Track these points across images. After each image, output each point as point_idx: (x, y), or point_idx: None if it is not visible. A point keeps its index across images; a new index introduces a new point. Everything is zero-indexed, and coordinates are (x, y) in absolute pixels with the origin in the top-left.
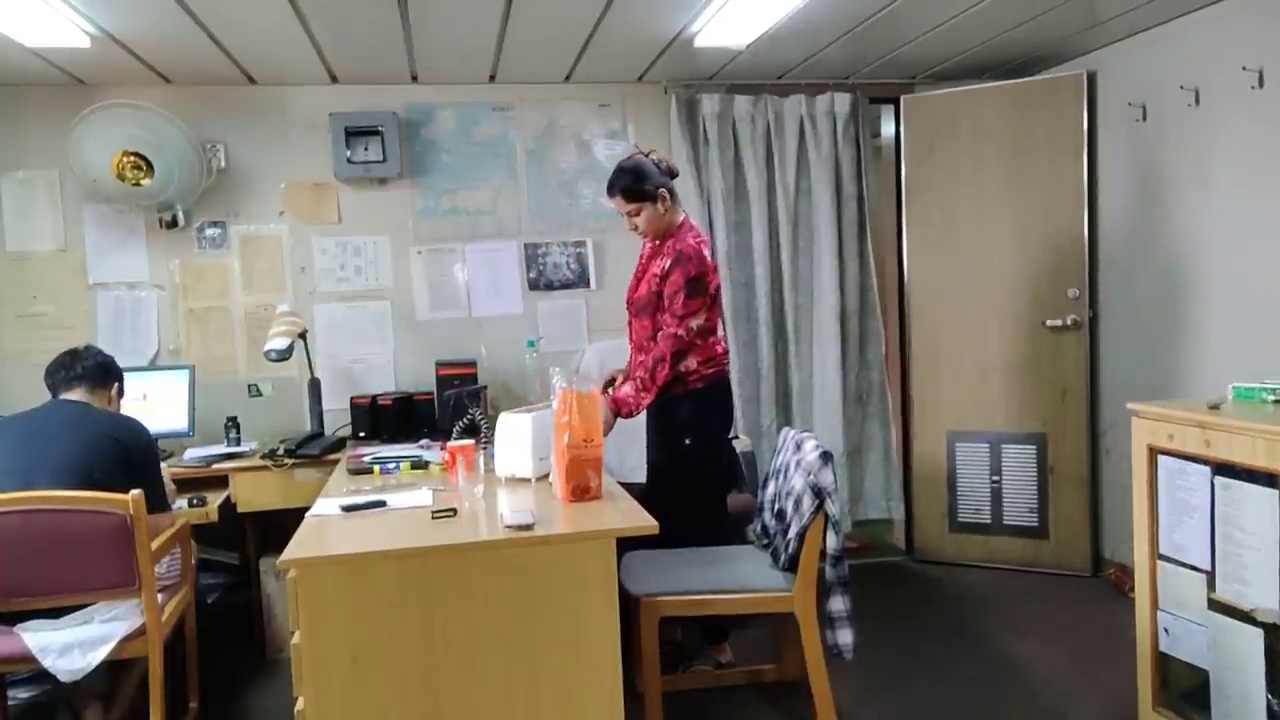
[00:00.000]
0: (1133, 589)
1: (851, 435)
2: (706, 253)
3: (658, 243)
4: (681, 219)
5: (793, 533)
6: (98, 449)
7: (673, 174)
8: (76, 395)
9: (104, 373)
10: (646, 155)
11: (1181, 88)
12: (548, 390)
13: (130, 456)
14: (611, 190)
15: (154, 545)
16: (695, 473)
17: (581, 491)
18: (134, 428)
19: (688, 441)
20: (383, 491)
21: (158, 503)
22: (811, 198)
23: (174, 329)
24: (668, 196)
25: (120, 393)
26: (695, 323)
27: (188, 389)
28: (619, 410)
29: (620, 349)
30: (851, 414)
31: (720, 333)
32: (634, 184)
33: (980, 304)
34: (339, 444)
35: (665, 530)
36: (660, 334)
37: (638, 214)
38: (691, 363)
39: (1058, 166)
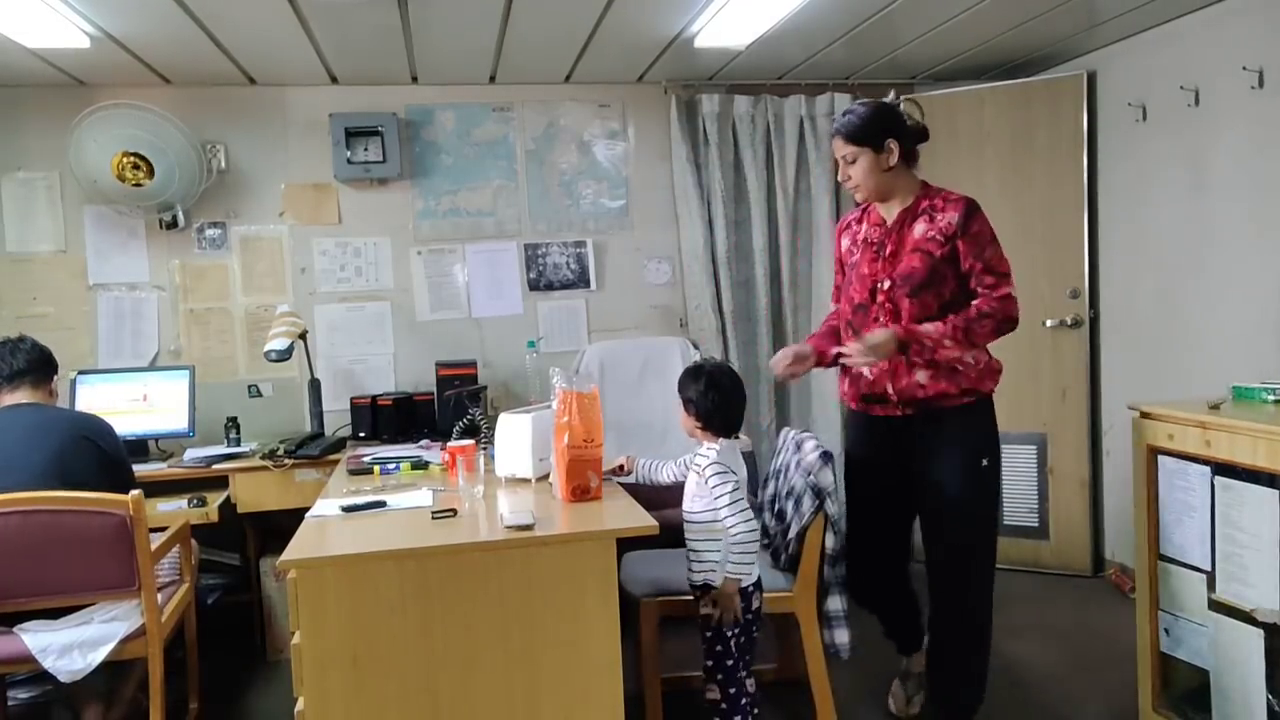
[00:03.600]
0: (1133, 589)
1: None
2: None
3: (875, 210)
4: (920, 184)
5: (793, 533)
6: (73, 451)
7: (921, 135)
8: (23, 396)
9: (46, 366)
10: (896, 104)
11: (1181, 88)
12: (548, 390)
13: (104, 454)
14: (835, 131)
15: (154, 546)
16: (994, 504)
17: (581, 492)
18: (102, 426)
19: (985, 463)
20: (383, 492)
21: None
22: (811, 198)
23: (174, 330)
24: (896, 150)
25: (57, 384)
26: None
27: (188, 390)
28: (907, 342)
29: (622, 350)
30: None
31: None
32: (858, 124)
33: None
34: (339, 444)
35: (964, 580)
36: (984, 296)
37: (853, 161)
38: (983, 356)
39: (1058, 166)
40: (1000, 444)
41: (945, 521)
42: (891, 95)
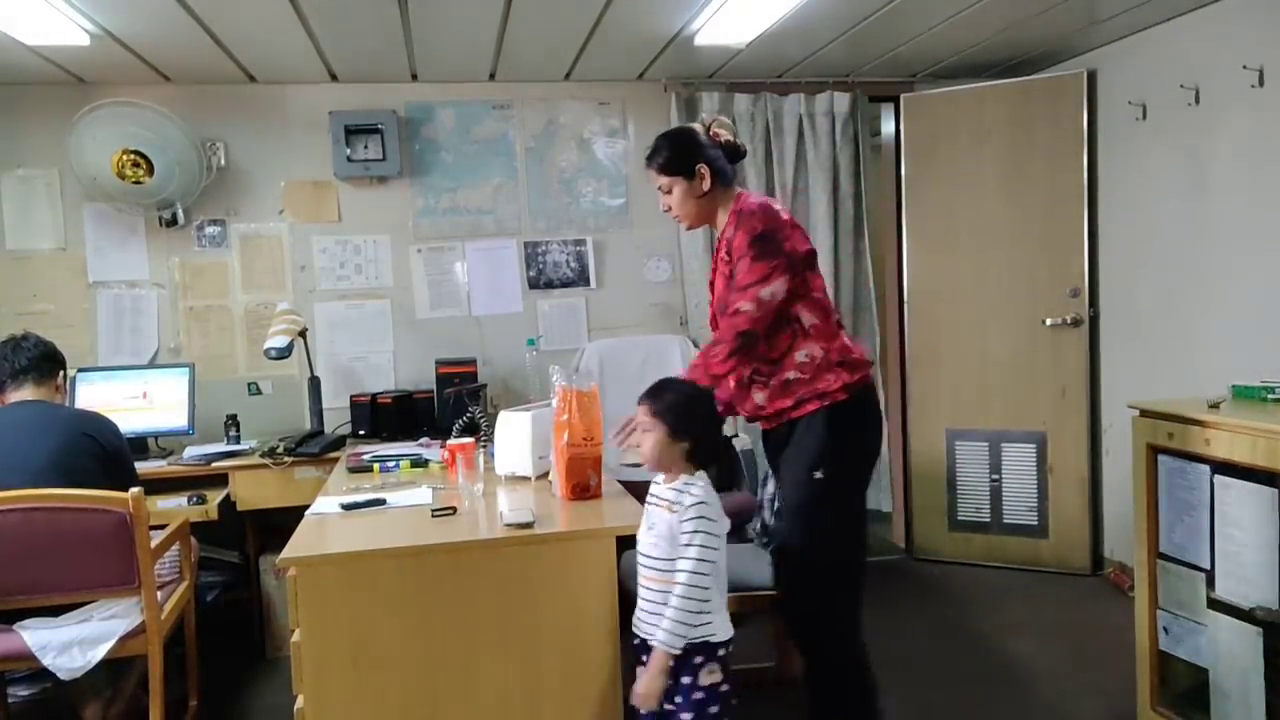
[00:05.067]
0: (1132, 588)
1: None
2: (777, 207)
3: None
4: (735, 198)
5: None
6: (75, 447)
7: (736, 154)
8: (28, 393)
9: (49, 362)
10: (708, 127)
11: (1182, 86)
12: (547, 388)
13: (106, 452)
14: (647, 163)
15: (154, 544)
16: (829, 520)
17: (581, 490)
18: (105, 423)
19: (818, 475)
20: (382, 490)
21: None
22: (810, 196)
23: (174, 327)
24: (707, 175)
25: (65, 380)
26: (766, 291)
27: (188, 387)
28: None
29: (621, 348)
30: None
31: (837, 318)
32: (666, 155)
33: (980, 302)
34: (339, 442)
35: (799, 591)
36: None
37: (669, 191)
38: (817, 352)
39: (1058, 165)
40: (852, 452)
41: (776, 542)
42: (701, 118)
